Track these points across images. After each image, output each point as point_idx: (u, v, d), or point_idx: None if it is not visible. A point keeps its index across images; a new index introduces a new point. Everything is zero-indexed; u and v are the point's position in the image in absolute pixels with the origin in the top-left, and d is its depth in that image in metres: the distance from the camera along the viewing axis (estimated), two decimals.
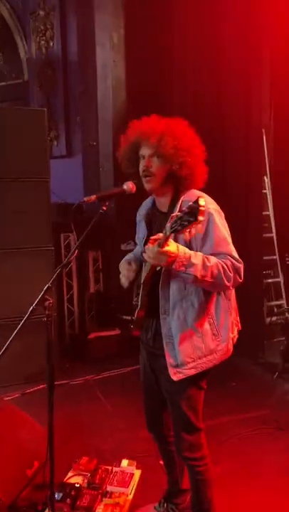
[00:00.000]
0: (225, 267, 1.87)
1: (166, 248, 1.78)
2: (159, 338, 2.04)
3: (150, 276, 1.99)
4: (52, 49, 5.93)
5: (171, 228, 1.68)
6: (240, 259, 1.91)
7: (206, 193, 2.00)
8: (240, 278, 1.92)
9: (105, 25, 5.24)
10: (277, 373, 4.03)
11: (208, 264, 1.84)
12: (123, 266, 2.18)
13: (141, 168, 1.99)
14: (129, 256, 2.31)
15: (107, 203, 1.98)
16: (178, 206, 1.96)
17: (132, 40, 5.20)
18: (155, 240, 1.81)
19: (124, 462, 2.81)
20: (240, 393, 3.80)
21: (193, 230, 1.64)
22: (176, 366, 1.98)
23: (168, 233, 1.71)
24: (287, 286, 5.05)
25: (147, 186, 2.00)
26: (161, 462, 2.84)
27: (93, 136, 5.55)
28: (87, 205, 2.14)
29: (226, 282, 1.88)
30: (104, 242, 5.50)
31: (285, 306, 4.99)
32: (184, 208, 1.65)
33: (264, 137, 4.70)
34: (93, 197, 1.98)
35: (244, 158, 4.65)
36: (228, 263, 1.89)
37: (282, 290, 5.11)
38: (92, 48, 5.35)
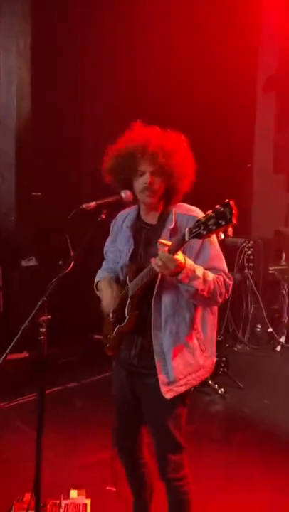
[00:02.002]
0: (219, 283, 1.87)
1: (176, 257, 1.72)
2: (145, 356, 1.96)
3: (141, 289, 1.91)
4: None
5: (192, 233, 1.62)
6: (231, 276, 1.93)
7: None
8: (228, 294, 1.93)
9: (11, 30, 4.98)
10: None
11: (208, 278, 1.83)
12: (105, 287, 2.07)
13: (141, 183, 1.92)
14: (102, 273, 2.19)
15: (105, 211, 1.86)
16: (172, 219, 1.93)
17: (40, 47, 5.02)
18: (165, 244, 1.73)
19: (73, 493, 2.59)
20: None
21: (221, 234, 1.58)
22: (168, 384, 1.91)
23: (188, 238, 1.64)
24: None
25: (147, 201, 1.95)
26: (109, 488, 2.70)
27: None
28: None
29: (218, 298, 1.88)
30: (2, 257, 5.10)
31: None
32: (209, 212, 1.58)
33: None
34: (92, 204, 1.85)
35: None
36: (221, 279, 1.89)
37: None
38: None
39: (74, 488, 2.64)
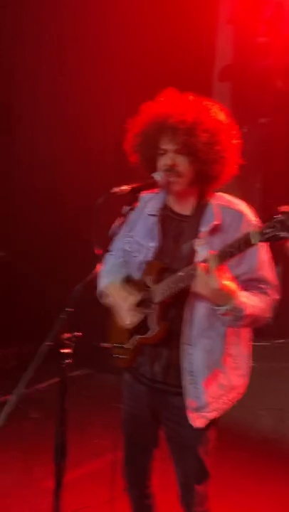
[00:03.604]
0: (266, 309, 1.59)
1: (226, 283, 1.41)
2: (172, 372, 1.65)
3: (173, 296, 1.58)
4: None
5: (264, 235, 1.29)
6: (278, 288, 1.64)
7: None
8: (273, 313, 1.65)
9: None
10: None
11: (256, 314, 1.54)
12: (118, 292, 1.70)
13: (162, 164, 1.57)
14: (108, 277, 1.79)
15: (138, 198, 1.51)
16: (213, 212, 1.60)
17: None
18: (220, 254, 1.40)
19: None
20: None
21: None
22: (198, 409, 1.62)
23: (257, 240, 1.31)
24: None
25: (172, 187, 1.60)
26: None
27: None
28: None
29: (259, 325, 1.63)
30: None
31: None
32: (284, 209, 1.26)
33: None
34: (126, 188, 1.47)
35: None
36: (269, 302, 1.61)
37: None
38: None
39: None
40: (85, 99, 4.34)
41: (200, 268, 1.42)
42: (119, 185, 1.49)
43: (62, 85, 4.47)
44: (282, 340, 4.87)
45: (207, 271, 1.41)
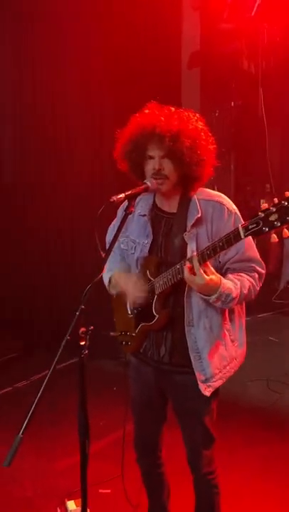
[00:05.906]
0: (254, 284, 1.82)
1: (211, 277, 1.63)
2: (177, 353, 1.86)
3: (172, 286, 1.78)
4: None
5: (248, 230, 1.49)
6: (263, 264, 1.87)
7: None
8: (261, 283, 1.88)
9: None
10: None
11: (245, 292, 1.76)
12: (125, 277, 1.89)
13: (150, 169, 1.77)
14: (114, 266, 1.98)
15: (133, 203, 1.68)
16: (197, 207, 1.80)
17: None
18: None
19: (71, 504, 2.43)
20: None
21: (287, 231, 1.48)
22: (206, 381, 1.84)
23: (244, 235, 1.52)
24: None
25: (160, 189, 1.79)
26: (103, 491, 2.61)
27: None
28: None
29: (252, 297, 1.84)
30: None
31: None
32: (270, 208, 1.45)
33: None
34: (122, 196, 1.64)
35: None
36: (256, 277, 1.84)
37: None
38: None
39: (68, 498, 2.48)
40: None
41: (186, 270, 1.64)
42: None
43: None
44: (264, 315, 5.17)
45: (192, 271, 1.62)
